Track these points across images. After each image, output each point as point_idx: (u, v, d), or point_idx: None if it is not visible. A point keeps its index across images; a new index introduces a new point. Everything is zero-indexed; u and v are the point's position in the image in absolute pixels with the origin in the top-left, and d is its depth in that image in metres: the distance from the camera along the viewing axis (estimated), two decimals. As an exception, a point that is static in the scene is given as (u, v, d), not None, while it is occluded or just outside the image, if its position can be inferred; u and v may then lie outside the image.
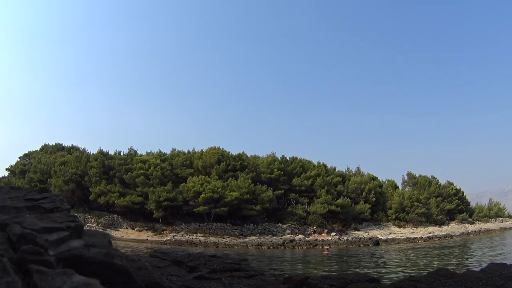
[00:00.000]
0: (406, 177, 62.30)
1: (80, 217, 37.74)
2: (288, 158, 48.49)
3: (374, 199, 48.14)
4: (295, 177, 45.01)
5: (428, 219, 49.62)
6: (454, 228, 50.34)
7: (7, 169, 53.35)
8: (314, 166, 49.46)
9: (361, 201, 46.35)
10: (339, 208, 42.04)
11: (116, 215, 41.11)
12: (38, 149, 57.41)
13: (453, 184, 59.85)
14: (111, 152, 49.05)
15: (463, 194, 60.84)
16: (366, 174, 55.93)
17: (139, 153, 50.36)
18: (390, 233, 42.82)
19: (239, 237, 37.11)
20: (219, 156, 44.46)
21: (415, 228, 46.88)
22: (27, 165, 51.34)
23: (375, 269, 16.42)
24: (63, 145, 58.55)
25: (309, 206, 43.34)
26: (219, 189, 38.03)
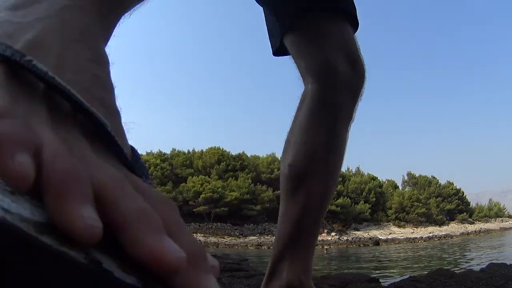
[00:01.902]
0: (406, 177, 62.35)
1: (80, 217, 37.63)
2: (288, 158, 48.48)
3: (374, 199, 48.17)
4: (295, 177, 45.03)
5: (428, 219, 49.66)
6: (454, 228, 50.39)
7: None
8: (314, 166, 49.47)
9: (361, 201, 46.39)
10: (339, 208, 42.08)
11: (116, 215, 41.15)
12: (38, 149, 57.40)
13: (453, 184, 59.89)
14: (111, 152, 48.99)
15: (463, 194, 60.88)
16: (366, 174, 55.97)
17: (139, 153, 50.34)
18: (390, 233, 42.88)
19: (239, 237, 37.15)
20: (219, 156, 44.50)
21: (415, 228, 46.93)
22: (27, 165, 51.33)
23: (375, 269, 16.43)
24: (63, 145, 58.54)
25: (309, 206, 43.39)
26: (219, 189, 38.07)
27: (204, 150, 47.51)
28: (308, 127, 0.99)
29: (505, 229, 54.63)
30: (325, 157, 0.97)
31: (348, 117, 1.01)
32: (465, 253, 24.62)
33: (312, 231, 0.97)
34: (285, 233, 0.95)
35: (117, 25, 0.44)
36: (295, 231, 0.94)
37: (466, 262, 18.40)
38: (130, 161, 0.25)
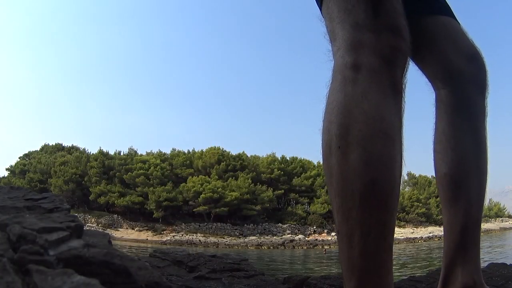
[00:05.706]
0: (406, 177, 62.27)
1: (80, 217, 37.69)
2: (288, 158, 48.52)
3: (374, 199, 48.09)
4: (295, 177, 45.03)
5: (428, 219, 49.66)
6: (454, 228, 50.35)
7: (7, 169, 53.39)
8: (314, 166, 49.49)
9: (361, 201, 46.34)
10: (339, 208, 42.07)
11: (116, 215, 41.13)
12: (38, 149, 57.44)
13: (453, 184, 59.78)
14: (111, 152, 49.10)
15: (463, 194, 60.78)
16: (366, 174, 55.79)
17: (139, 153, 50.41)
18: (390, 233, 42.87)
19: (239, 237, 37.12)
20: (219, 156, 44.49)
21: (415, 228, 46.93)
22: (27, 165, 51.37)
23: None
24: (63, 145, 58.57)
25: (309, 206, 43.35)
26: (219, 189, 38.05)
27: (204, 150, 47.52)
28: (453, 133, 1.03)
29: (505, 229, 54.64)
30: (476, 158, 1.01)
31: (483, 113, 1.04)
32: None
33: (477, 232, 1.00)
34: (454, 241, 1.00)
35: None
36: (462, 237, 0.99)
37: (466, 262, 18.34)
38: None
